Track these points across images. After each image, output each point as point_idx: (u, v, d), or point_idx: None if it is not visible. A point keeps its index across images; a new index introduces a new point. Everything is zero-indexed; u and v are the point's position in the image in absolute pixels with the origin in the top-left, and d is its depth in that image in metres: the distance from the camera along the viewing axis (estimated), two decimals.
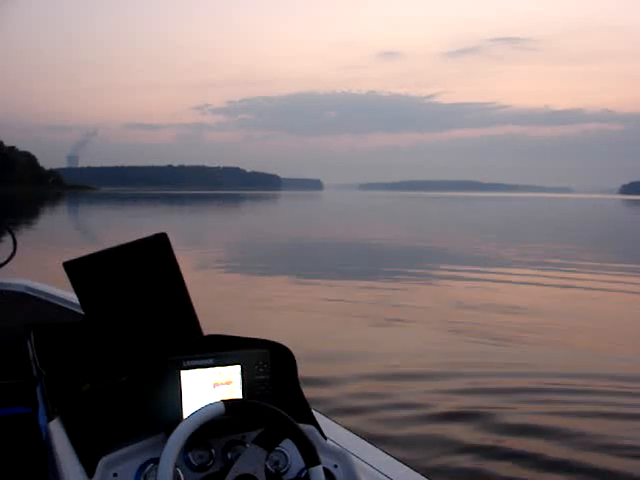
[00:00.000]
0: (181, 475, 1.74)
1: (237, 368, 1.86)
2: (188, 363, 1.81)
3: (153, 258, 2.30)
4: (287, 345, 1.99)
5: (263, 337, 1.97)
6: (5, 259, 2.52)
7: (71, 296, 4.52)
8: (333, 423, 2.41)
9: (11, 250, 2.78)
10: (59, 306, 4.42)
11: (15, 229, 2.76)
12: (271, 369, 1.89)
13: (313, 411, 1.99)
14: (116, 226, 37.42)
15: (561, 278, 16.89)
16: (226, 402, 1.68)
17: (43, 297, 4.66)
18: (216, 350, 1.86)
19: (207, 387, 1.83)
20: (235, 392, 1.85)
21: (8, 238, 2.66)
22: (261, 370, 1.88)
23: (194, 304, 2.31)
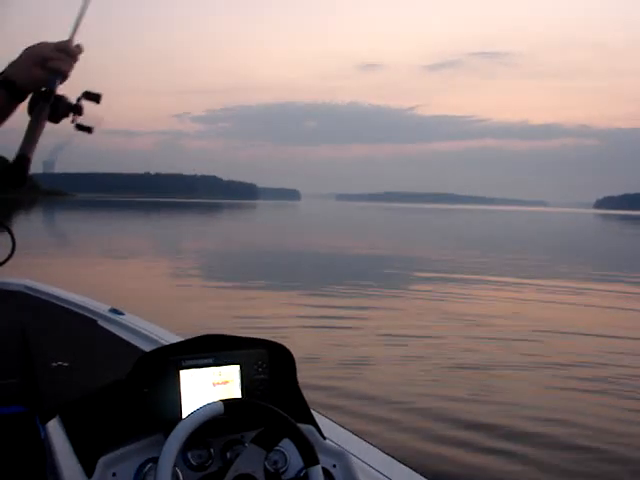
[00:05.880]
0: (180, 475, 1.73)
1: (236, 368, 1.87)
2: (187, 363, 1.81)
3: None
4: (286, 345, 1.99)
5: (262, 337, 1.98)
6: (4, 258, 2.51)
7: (70, 296, 4.54)
8: (332, 423, 2.41)
9: (9, 250, 2.75)
10: (58, 305, 4.42)
11: None
12: (270, 369, 1.90)
13: (312, 411, 1.99)
14: (89, 233, 37.51)
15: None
16: (225, 402, 1.68)
17: (42, 296, 4.66)
18: (215, 350, 1.87)
19: (206, 387, 1.83)
20: (234, 392, 1.86)
21: (6, 237, 2.64)
22: (260, 370, 1.89)
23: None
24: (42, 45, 1.69)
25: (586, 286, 18.34)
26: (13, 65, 1.69)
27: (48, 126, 1.69)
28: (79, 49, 1.73)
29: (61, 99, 1.71)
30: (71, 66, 1.71)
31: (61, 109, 1.72)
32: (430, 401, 7.26)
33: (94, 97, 1.76)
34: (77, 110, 1.74)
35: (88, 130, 1.76)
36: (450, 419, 6.68)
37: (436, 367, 8.79)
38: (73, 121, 1.75)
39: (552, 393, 7.90)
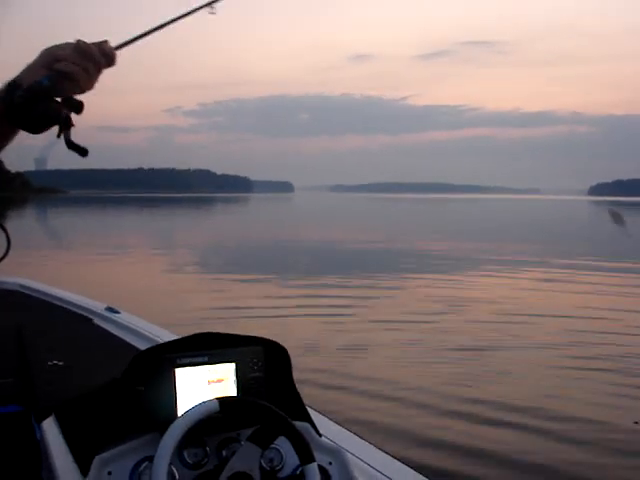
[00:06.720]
0: (176, 473, 1.74)
1: (231, 366, 1.87)
2: (182, 361, 1.81)
3: None
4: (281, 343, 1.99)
5: (257, 335, 1.98)
6: None
7: (65, 294, 4.55)
8: (328, 420, 2.42)
9: (4, 249, 2.72)
10: (52, 304, 4.42)
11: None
12: (265, 366, 1.90)
13: (308, 408, 2.00)
14: (84, 230, 37.54)
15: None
16: (220, 400, 1.68)
17: (37, 295, 4.67)
18: (210, 348, 1.87)
19: (201, 385, 1.83)
20: (229, 390, 1.86)
21: (1, 236, 2.62)
22: (255, 368, 1.89)
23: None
24: (62, 44, 1.35)
25: (589, 271, 18.70)
26: (26, 69, 1.34)
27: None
28: (105, 54, 1.36)
29: (39, 103, 1.29)
30: (82, 70, 1.32)
31: (38, 116, 1.29)
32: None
33: (74, 106, 1.34)
34: (64, 122, 1.32)
35: (82, 152, 1.34)
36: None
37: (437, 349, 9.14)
38: (60, 136, 1.33)
39: (552, 372, 8.18)
